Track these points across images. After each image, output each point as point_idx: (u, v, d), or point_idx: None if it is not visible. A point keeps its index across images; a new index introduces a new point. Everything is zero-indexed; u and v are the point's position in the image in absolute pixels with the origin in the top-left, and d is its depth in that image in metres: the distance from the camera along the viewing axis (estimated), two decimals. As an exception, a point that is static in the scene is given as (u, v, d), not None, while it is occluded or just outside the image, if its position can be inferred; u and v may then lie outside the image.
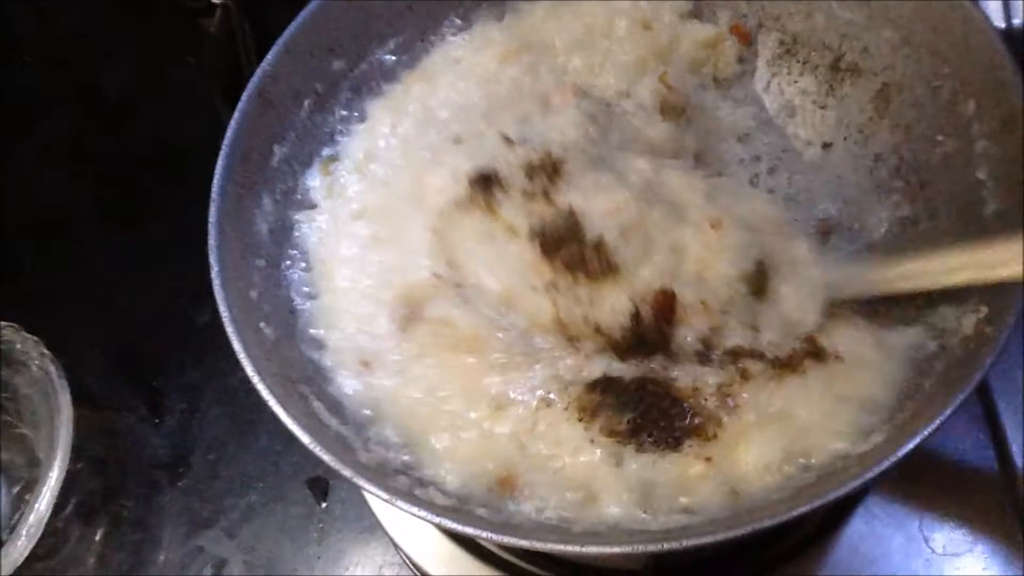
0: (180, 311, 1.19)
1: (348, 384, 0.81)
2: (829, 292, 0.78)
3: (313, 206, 0.92)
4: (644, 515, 0.70)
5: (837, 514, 0.81)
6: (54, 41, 1.50)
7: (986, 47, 0.79)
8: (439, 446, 0.77)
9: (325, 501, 1.04)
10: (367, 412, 0.79)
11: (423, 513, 0.65)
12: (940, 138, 0.82)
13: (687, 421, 0.74)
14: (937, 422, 0.62)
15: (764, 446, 0.72)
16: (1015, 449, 0.81)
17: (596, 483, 0.73)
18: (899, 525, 0.80)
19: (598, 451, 0.74)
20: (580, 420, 0.75)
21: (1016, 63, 0.78)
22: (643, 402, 0.75)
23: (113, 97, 1.45)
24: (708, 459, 0.72)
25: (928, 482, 0.82)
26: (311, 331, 0.85)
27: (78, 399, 1.04)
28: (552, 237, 0.78)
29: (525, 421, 0.76)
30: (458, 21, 1.01)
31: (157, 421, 1.15)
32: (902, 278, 0.75)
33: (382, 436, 0.78)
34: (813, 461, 0.71)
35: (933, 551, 0.79)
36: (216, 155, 0.83)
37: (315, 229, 0.90)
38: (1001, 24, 1.08)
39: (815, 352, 0.76)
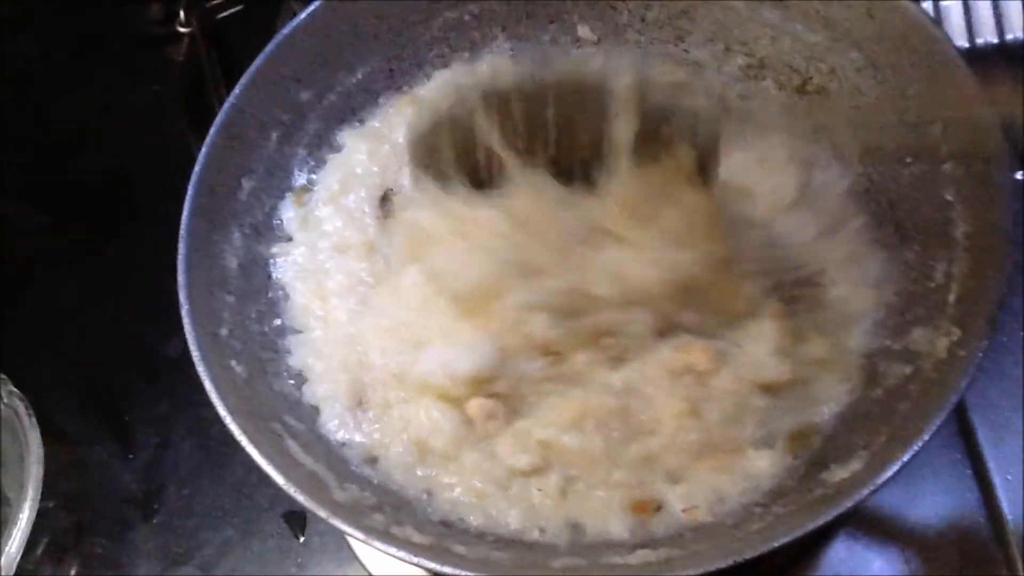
0: (147, 343, 1.17)
1: (337, 421, 0.81)
2: None
3: (288, 239, 0.91)
4: None
5: (818, 537, 0.81)
6: (7, 71, 1.47)
7: (949, 66, 0.79)
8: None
9: (303, 535, 1.02)
10: (360, 450, 0.80)
11: (400, 552, 0.64)
12: (908, 159, 0.83)
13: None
14: (915, 448, 0.62)
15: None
16: (992, 466, 0.82)
17: None
18: (881, 550, 0.80)
19: None
20: None
21: (978, 82, 0.78)
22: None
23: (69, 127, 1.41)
24: None
25: (911, 506, 0.82)
26: (291, 366, 0.84)
27: (45, 436, 1.01)
28: None
29: None
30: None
31: (129, 456, 1.12)
32: None
33: (377, 475, 0.78)
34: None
35: (917, 576, 0.79)
36: (175, 184, 0.82)
37: (291, 262, 0.90)
38: (964, 43, 1.09)
39: None
